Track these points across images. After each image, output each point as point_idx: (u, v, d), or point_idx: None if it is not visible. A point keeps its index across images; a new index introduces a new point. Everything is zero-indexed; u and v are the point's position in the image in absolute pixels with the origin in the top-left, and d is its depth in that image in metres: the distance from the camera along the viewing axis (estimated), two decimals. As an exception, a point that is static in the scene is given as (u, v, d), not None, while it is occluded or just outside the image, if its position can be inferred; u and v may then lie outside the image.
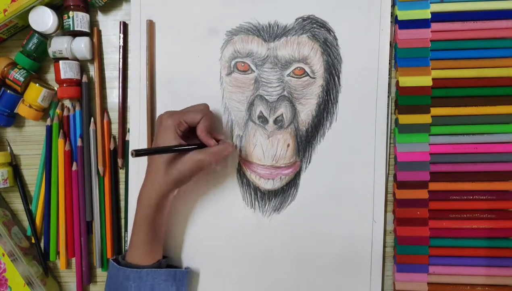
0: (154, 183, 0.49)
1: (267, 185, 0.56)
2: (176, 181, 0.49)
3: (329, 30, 0.54)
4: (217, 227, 0.56)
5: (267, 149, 0.55)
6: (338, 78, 0.54)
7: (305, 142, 0.55)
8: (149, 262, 0.50)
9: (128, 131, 0.57)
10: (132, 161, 0.57)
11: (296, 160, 0.55)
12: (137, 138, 0.57)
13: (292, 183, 0.55)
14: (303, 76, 0.54)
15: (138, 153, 0.45)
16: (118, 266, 0.50)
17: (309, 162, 0.55)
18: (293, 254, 0.56)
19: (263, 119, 0.55)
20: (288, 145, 0.55)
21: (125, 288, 0.49)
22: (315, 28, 0.54)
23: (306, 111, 0.55)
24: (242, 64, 0.55)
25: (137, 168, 0.57)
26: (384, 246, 0.55)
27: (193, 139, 0.51)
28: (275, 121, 0.55)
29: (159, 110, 0.56)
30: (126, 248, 0.58)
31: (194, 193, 0.56)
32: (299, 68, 0.54)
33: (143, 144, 0.57)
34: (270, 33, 0.54)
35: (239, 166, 0.56)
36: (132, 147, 0.57)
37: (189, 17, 0.56)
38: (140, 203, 0.50)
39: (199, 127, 0.50)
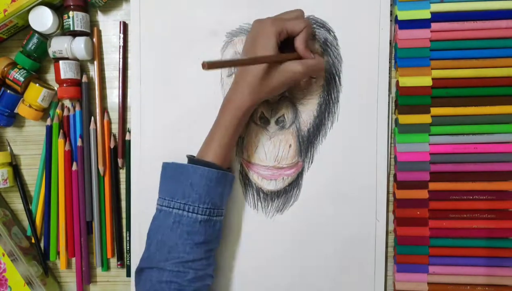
0: (250, 88, 0.48)
1: (269, 185, 0.56)
2: (272, 89, 0.49)
3: (329, 30, 0.54)
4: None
5: (269, 149, 0.55)
6: (339, 78, 0.54)
7: (307, 142, 0.55)
8: (222, 165, 0.50)
9: (129, 131, 0.57)
10: (134, 160, 0.57)
11: (298, 160, 0.55)
12: (138, 138, 0.57)
13: (295, 184, 0.55)
14: (304, 76, 0.54)
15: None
16: (195, 165, 0.49)
17: (311, 162, 0.55)
18: (296, 254, 0.56)
19: (265, 120, 0.55)
20: (290, 145, 0.55)
21: (201, 187, 0.48)
22: (315, 28, 0.54)
23: (308, 111, 0.55)
24: (243, 66, 0.55)
25: (138, 167, 0.57)
26: (385, 247, 0.55)
27: (284, 49, 0.50)
28: (277, 122, 0.55)
29: (159, 111, 0.56)
30: (127, 248, 0.58)
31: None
32: (300, 68, 0.54)
33: (144, 144, 0.57)
34: None
35: (241, 167, 0.56)
36: (133, 147, 0.57)
37: (189, 18, 0.56)
38: (232, 105, 0.49)
39: (300, 38, 0.49)
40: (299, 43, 0.49)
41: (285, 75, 0.48)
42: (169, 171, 0.51)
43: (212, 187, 0.49)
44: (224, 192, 0.51)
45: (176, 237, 0.48)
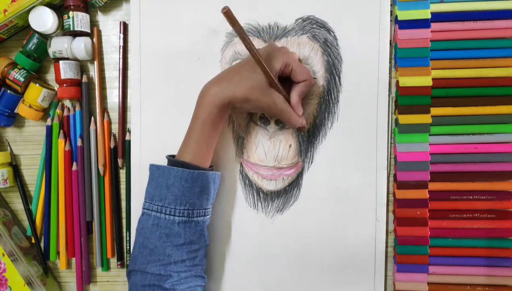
0: (231, 87, 0.48)
1: (269, 185, 0.56)
2: (247, 99, 0.48)
3: (329, 30, 0.54)
4: (220, 228, 0.56)
5: (269, 149, 0.55)
6: (339, 78, 0.54)
7: (307, 142, 0.55)
8: (201, 165, 0.50)
9: (129, 131, 0.57)
10: (134, 160, 0.57)
11: (298, 160, 0.55)
12: (138, 138, 0.57)
13: (295, 184, 0.55)
14: (304, 76, 0.54)
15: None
16: (170, 166, 0.48)
17: (311, 162, 0.55)
18: (296, 255, 0.56)
19: (265, 120, 0.55)
20: (290, 146, 0.55)
21: (177, 187, 0.48)
22: (315, 28, 0.54)
23: (308, 111, 0.55)
24: (243, 65, 0.55)
25: (138, 167, 0.57)
26: (386, 247, 0.55)
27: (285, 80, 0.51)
28: (277, 122, 0.55)
29: (159, 111, 0.56)
30: (127, 248, 0.58)
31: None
32: (300, 69, 0.54)
33: (144, 145, 0.57)
34: (270, 34, 0.54)
35: (241, 167, 0.56)
36: (133, 147, 0.57)
37: (189, 18, 0.56)
38: (209, 100, 0.48)
39: (297, 89, 0.50)
40: (295, 94, 0.51)
41: (269, 103, 0.49)
42: (151, 172, 0.50)
43: (187, 188, 0.48)
44: (205, 191, 0.50)
45: (156, 240, 0.48)
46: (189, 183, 0.48)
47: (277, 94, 0.49)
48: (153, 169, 0.50)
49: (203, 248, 0.51)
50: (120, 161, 0.58)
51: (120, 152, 0.57)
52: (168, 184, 0.48)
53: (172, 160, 0.49)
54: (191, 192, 0.48)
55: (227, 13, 0.42)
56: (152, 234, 0.48)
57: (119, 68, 0.57)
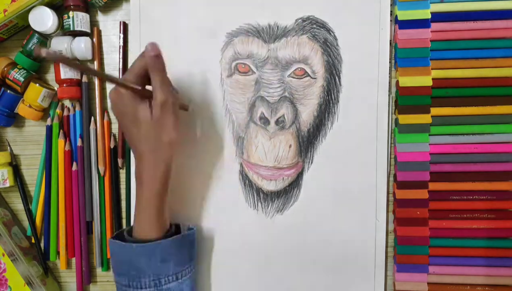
0: (154, 150, 0.46)
1: (269, 186, 0.56)
2: (162, 130, 0.45)
3: (329, 30, 0.54)
4: (220, 228, 0.56)
5: (269, 150, 0.55)
6: (339, 78, 0.54)
7: (307, 142, 0.55)
8: (158, 234, 0.48)
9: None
10: (133, 161, 0.57)
11: (298, 161, 0.55)
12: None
13: (295, 184, 0.55)
14: (304, 77, 0.54)
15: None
16: (124, 243, 0.48)
17: (311, 162, 0.55)
18: (296, 255, 0.56)
19: (265, 121, 0.55)
20: (290, 146, 0.55)
21: (137, 262, 0.47)
22: (315, 28, 0.54)
23: (308, 111, 0.55)
24: (243, 66, 0.55)
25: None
26: (386, 247, 0.55)
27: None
28: (277, 122, 0.55)
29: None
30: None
31: (197, 194, 0.56)
32: (299, 69, 0.54)
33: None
34: (270, 34, 0.54)
35: (241, 167, 0.56)
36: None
37: (189, 19, 0.56)
38: (145, 178, 0.47)
39: (129, 77, 0.46)
40: (132, 81, 0.45)
41: (158, 110, 0.44)
42: (110, 247, 0.50)
43: (145, 261, 0.47)
44: (169, 258, 0.48)
45: None
46: (145, 256, 0.47)
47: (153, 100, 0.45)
48: (111, 244, 0.49)
49: None
50: (120, 161, 0.58)
51: (120, 152, 0.57)
52: (126, 260, 0.48)
53: (126, 237, 0.49)
54: (151, 264, 0.47)
55: (48, 55, 0.37)
56: None
57: (119, 68, 0.57)
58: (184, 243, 0.51)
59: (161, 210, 0.48)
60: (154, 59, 0.44)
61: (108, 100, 0.56)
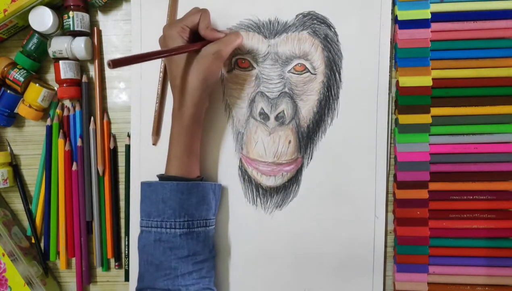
0: (185, 92, 0.49)
1: (268, 181, 0.56)
2: (203, 81, 0.49)
3: (329, 26, 0.54)
4: (219, 224, 0.56)
5: (269, 145, 0.55)
6: (339, 74, 0.54)
7: (306, 138, 0.55)
8: (189, 174, 0.50)
9: (128, 136, 0.57)
10: (133, 160, 0.57)
11: (298, 156, 0.55)
12: (138, 139, 0.57)
13: (294, 180, 0.55)
14: (304, 73, 0.54)
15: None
16: (163, 181, 0.49)
17: (311, 158, 0.55)
18: (295, 251, 0.56)
19: (264, 116, 0.55)
20: (290, 141, 0.55)
21: (174, 201, 0.48)
22: (315, 24, 0.54)
23: (307, 107, 0.55)
24: (243, 61, 0.55)
25: (138, 167, 0.57)
26: (385, 246, 0.55)
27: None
28: (276, 118, 0.55)
29: (160, 111, 0.56)
30: (125, 249, 0.58)
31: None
32: (300, 65, 0.54)
33: (144, 146, 0.57)
34: (270, 29, 0.54)
35: (240, 163, 0.56)
36: (133, 149, 0.57)
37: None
38: (177, 114, 0.50)
39: (201, 26, 0.50)
40: (203, 30, 0.50)
41: (207, 60, 0.48)
42: (143, 190, 0.51)
43: (184, 200, 0.48)
44: (203, 201, 0.50)
45: (160, 255, 0.48)
46: (185, 194, 0.48)
47: (206, 47, 0.49)
48: (144, 186, 0.50)
49: (210, 259, 0.52)
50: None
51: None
52: (164, 198, 0.48)
53: (163, 176, 0.50)
54: (188, 203, 0.49)
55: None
56: (155, 250, 0.48)
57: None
58: (214, 193, 0.52)
59: (191, 147, 0.50)
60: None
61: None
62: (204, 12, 0.50)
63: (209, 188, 0.51)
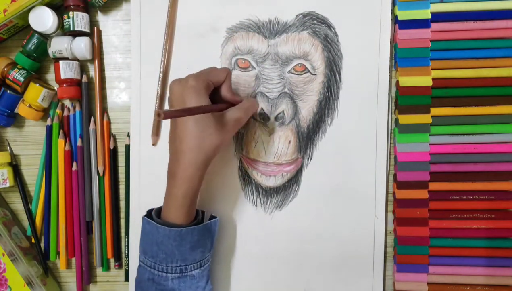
0: (199, 151, 0.46)
1: (268, 182, 0.56)
2: (221, 144, 0.46)
3: (329, 26, 0.54)
4: (219, 225, 0.56)
5: (269, 146, 0.55)
6: (339, 74, 0.54)
7: (306, 139, 0.55)
8: (186, 222, 0.48)
9: (128, 136, 0.57)
10: (133, 160, 0.57)
11: (298, 157, 0.55)
12: (138, 139, 0.57)
13: (294, 180, 0.55)
14: (304, 73, 0.54)
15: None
16: (157, 224, 0.48)
17: (311, 159, 0.55)
18: (295, 251, 0.56)
19: (264, 116, 0.55)
20: (290, 142, 0.55)
21: (167, 246, 0.47)
22: (315, 24, 0.54)
23: (307, 107, 0.55)
24: (243, 61, 0.55)
25: (138, 167, 0.57)
26: (385, 246, 0.55)
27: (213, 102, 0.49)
28: (276, 118, 0.55)
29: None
30: (125, 249, 0.58)
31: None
32: (300, 65, 0.54)
33: (144, 146, 0.57)
34: (270, 29, 0.54)
35: (240, 163, 0.56)
36: (133, 149, 0.57)
37: (189, 15, 0.56)
38: (182, 175, 0.46)
39: (225, 86, 0.49)
40: (226, 91, 0.48)
41: (229, 126, 0.47)
42: (143, 226, 0.50)
43: (176, 246, 0.47)
44: (198, 245, 0.49)
45: None
46: (177, 241, 0.47)
47: (230, 111, 0.47)
48: (144, 222, 0.49)
49: None
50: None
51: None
52: (157, 242, 0.48)
53: (158, 220, 0.49)
54: (182, 249, 0.48)
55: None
56: (149, 288, 0.48)
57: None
58: (209, 231, 0.51)
59: (190, 205, 0.48)
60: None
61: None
62: (229, 73, 0.49)
63: (204, 230, 0.49)
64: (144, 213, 0.50)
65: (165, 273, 0.48)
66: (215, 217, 0.52)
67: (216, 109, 0.46)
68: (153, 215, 0.49)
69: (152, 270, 0.48)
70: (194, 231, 0.48)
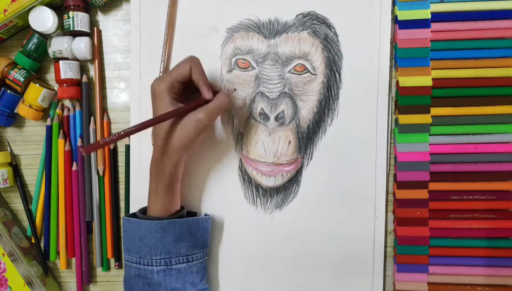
0: (165, 151, 0.48)
1: (268, 182, 0.56)
2: (183, 147, 0.48)
3: (329, 26, 0.54)
4: (218, 224, 0.56)
5: (269, 145, 0.55)
6: (339, 74, 0.54)
7: (306, 139, 0.55)
8: (165, 213, 0.50)
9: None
10: (133, 160, 0.57)
11: (298, 157, 0.55)
12: (138, 139, 0.57)
13: (294, 180, 0.55)
14: (304, 73, 0.54)
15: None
16: (138, 219, 0.49)
17: (311, 159, 0.55)
18: (295, 251, 0.56)
19: (264, 116, 0.55)
20: (290, 142, 0.55)
21: (149, 239, 0.49)
22: (315, 24, 0.54)
23: (307, 107, 0.55)
24: (243, 61, 0.55)
25: (138, 167, 0.57)
26: (385, 246, 0.55)
27: (194, 99, 0.50)
28: (276, 118, 0.55)
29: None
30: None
31: (196, 190, 0.56)
32: (299, 65, 0.54)
33: (144, 146, 0.57)
34: (270, 29, 0.54)
35: (240, 163, 0.56)
36: (133, 149, 0.57)
37: (189, 15, 0.56)
38: (154, 173, 0.49)
39: (194, 77, 0.49)
40: (195, 80, 0.49)
41: (189, 128, 0.47)
42: (124, 226, 0.51)
43: (159, 238, 0.49)
44: (183, 238, 0.50)
45: (140, 289, 0.49)
46: (159, 233, 0.48)
47: (192, 113, 0.48)
48: (125, 221, 0.51)
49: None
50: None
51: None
52: (140, 236, 0.49)
53: (140, 215, 0.50)
54: (164, 241, 0.49)
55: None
56: (136, 284, 0.49)
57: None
58: (198, 227, 0.52)
59: (170, 197, 0.50)
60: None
61: (105, 97, 0.57)
62: (194, 63, 0.48)
63: (188, 224, 0.51)
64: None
65: (150, 266, 0.49)
66: (208, 215, 0.54)
67: (160, 119, 0.46)
68: (137, 213, 0.51)
69: (138, 266, 0.49)
70: (175, 224, 0.49)
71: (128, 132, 0.44)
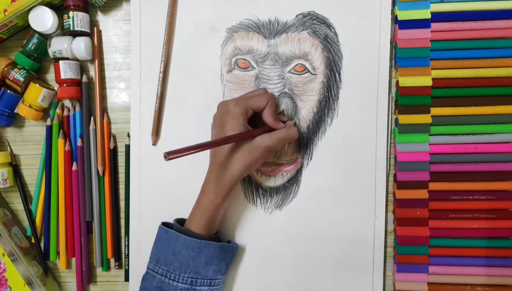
0: (226, 171, 0.49)
1: (268, 181, 0.56)
2: (247, 168, 0.49)
3: (329, 26, 0.54)
4: (218, 224, 0.56)
5: None
6: (339, 74, 0.54)
7: (306, 139, 0.55)
8: (206, 233, 0.50)
9: (128, 136, 0.57)
10: (133, 160, 0.57)
11: (298, 157, 0.55)
12: (138, 139, 0.57)
13: (294, 180, 0.55)
14: (304, 73, 0.54)
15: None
16: (176, 233, 0.49)
17: (311, 159, 0.55)
18: (295, 251, 0.56)
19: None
20: (290, 142, 0.55)
21: (183, 256, 0.49)
22: (315, 24, 0.54)
23: (307, 107, 0.55)
24: (243, 61, 0.55)
25: (138, 167, 0.57)
26: (385, 246, 0.55)
27: (254, 125, 0.51)
28: None
29: (160, 110, 0.56)
30: (125, 249, 0.58)
31: (196, 190, 0.56)
32: (299, 65, 0.54)
33: (144, 146, 0.57)
34: (270, 29, 0.54)
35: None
36: (133, 149, 0.57)
37: (189, 15, 0.56)
38: (208, 191, 0.50)
39: (266, 112, 0.50)
40: (267, 117, 0.50)
41: (258, 152, 0.48)
42: (159, 234, 0.51)
43: (193, 257, 0.49)
44: (213, 262, 0.50)
45: None
46: (195, 252, 0.49)
47: (259, 138, 0.49)
48: (161, 231, 0.51)
49: None
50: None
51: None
52: (175, 251, 0.49)
53: (180, 227, 0.50)
54: (197, 261, 0.49)
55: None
56: None
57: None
58: (227, 254, 0.52)
59: (215, 217, 0.51)
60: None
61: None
62: (272, 100, 0.50)
63: (221, 250, 0.51)
64: (145, 213, 0.51)
65: (175, 282, 0.49)
66: (237, 245, 0.54)
67: (232, 139, 0.47)
68: (173, 222, 0.51)
69: (163, 278, 0.49)
70: (211, 246, 0.50)
71: (215, 143, 0.46)
